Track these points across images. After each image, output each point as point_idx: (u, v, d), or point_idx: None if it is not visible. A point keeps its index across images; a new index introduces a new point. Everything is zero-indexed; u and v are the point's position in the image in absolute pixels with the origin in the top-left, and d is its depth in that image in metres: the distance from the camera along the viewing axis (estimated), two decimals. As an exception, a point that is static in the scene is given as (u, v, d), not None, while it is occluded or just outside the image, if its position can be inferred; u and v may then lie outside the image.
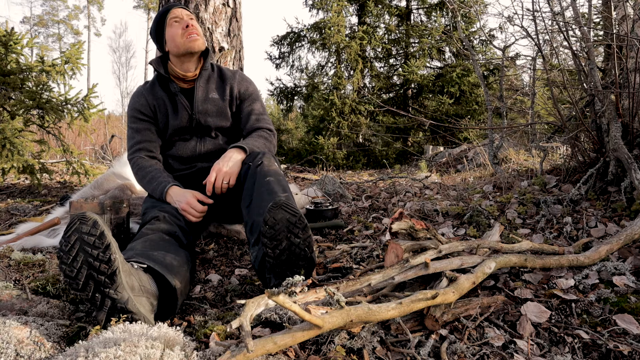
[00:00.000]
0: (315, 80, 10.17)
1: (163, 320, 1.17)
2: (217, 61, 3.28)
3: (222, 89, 1.79)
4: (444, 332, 1.11)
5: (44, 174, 3.53)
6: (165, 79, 1.75)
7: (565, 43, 2.19)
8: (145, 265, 1.19)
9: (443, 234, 1.92)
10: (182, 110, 1.73)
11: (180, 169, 1.78)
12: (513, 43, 4.17)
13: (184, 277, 1.27)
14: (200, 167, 1.75)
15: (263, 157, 1.58)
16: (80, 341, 0.91)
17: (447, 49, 10.30)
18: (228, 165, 1.58)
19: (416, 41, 10.33)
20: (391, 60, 10.81)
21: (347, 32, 10.07)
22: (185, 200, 1.54)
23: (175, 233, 1.44)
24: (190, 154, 1.75)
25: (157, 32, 1.76)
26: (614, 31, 2.19)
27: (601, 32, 2.85)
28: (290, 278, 1.12)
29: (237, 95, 1.82)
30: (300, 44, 10.59)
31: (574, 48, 2.25)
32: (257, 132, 1.78)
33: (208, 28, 3.23)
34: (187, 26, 1.68)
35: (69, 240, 1.02)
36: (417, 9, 10.81)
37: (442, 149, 7.64)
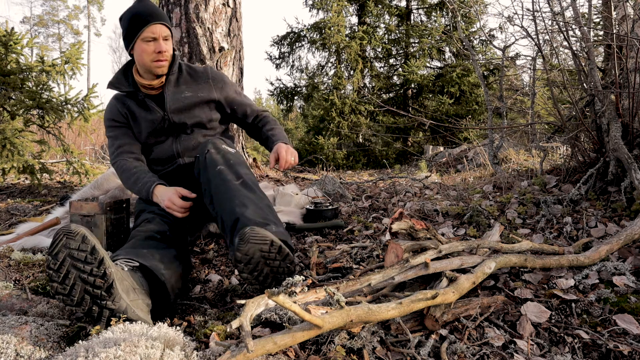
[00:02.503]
0: (315, 80, 10.17)
1: (158, 316, 1.17)
2: (217, 61, 3.28)
3: (195, 86, 1.75)
4: (444, 332, 1.11)
5: (44, 174, 3.53)
6: (131, 93, 1.71)
7: (565, 43, 2.19)
8: (134, 264, 1.20)
9: (443, 234, 1.92)
10: (154, 113, 1.70)
11: (162, 169, 1.77)
12: (513, 43, 4.17)
13: (174, 272, 1.28)
14: (181, 163, 1.74)
15: (208, 145, 1.58)
16: (80, 341, 0.91)
17: (447, 49, 10.30)
18: (290, 147, 1.66)
19: (416, 41, 10.33)
20: (391, 60, 10.81)
21: (347, 32, 10.06)
22: (167, 197, 1.53)
23: (167, 232, 1.45)
24: (168, 154, 1.74)
25: (129, 34, 1.63)
26: (614, 31, 2.19)
27: (601, 32, 2.85)
28: (290, 278, 1.12)
29: (219, 97, 1.80)
30: (300, 44, 10.59)
31: (574, 48, 2.25)
32: (265, 119, 1.87)
33: (208, 28, 3.23)
34: (160, 52, 1.60)
35: (57, 257, 1.00)
36: (417, 9, 10.81)
37: (442, 149, 7.64)
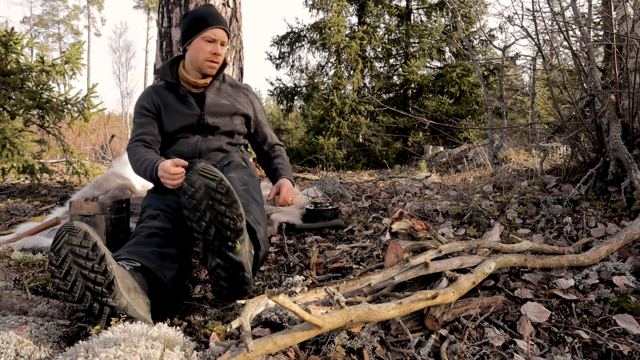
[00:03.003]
0: (315, 80, 10.16)
1: (158, 316, 1.17)
2: (217, 61, 3.27)
3: (234, 97, 1.84)
4: (444, 332, 1.11)
5: (44, 174, 3.53)
6: (173, 85, 1.78)
7: (565, 43, 2.19)
8: (136, 264, 1.20)
9: (443, 234, 1.92)
10: (191, 110, 1.75)
11: None
12: (513, 43, 4.17)
13: (175, 273, 1.28)
14: (197, 163, 1.77)
15: (230, 157, 1.67)
16: (80, 341, 0.91)
17: (447, 49, 10.30)
18: (292, 187, 1.76)
19: (416, 41, 10.33)
20: (391, 60, 10.81)
21: (347, 32, 10.06)
22: (161, 169, 1.50)
23: (170, 230, 1.45)
24: (191, 150, 1.77)
25: (190, 30, 1.74)
26: (614, 31, 2.19)
27: (601, 32, 2.85)
28: (290, 278, 1.12)
29: (251, 115, 1.89)
30: (300, 44, 10.58)
31: (574, 48, 2.25)
32: (278, 152, 1.96)
33: (208, 28, 3.23)
34: (215, 54, 1.70)
35: (59, 253, 1.01)
36: (417, 9, 10.81)
37: (442, 149, 7.64)
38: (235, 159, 1.65)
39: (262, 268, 1.74)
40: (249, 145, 2.02)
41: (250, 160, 1.84)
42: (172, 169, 1.44)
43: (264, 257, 1.38)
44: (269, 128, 1.98)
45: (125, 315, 1.03)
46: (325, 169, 6.91)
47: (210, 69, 1.73)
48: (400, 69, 10.42)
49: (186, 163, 1.51)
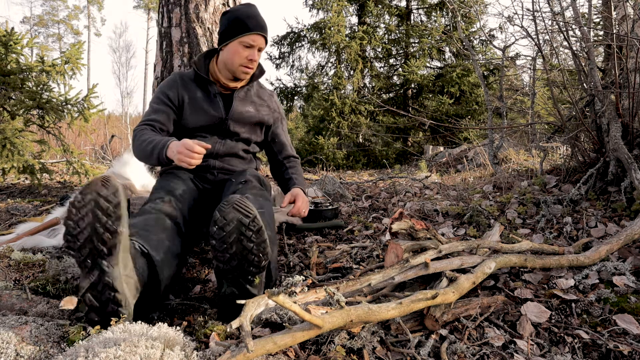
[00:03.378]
0: (315, 80, 10.16)
1: (143, 309, 1.15)
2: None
3: (259, 105, 1.83)
4: (444, 332, 1.11)
5: (44, 174, 3.53)
6: (204, 80, 1.74)
7: (565, 43, 2.19)
8: (144, 250, 1.18)
9: (443, 234, 1.92)
10: (216, 112, 1.72)
11: None
12: (513, 43, 4.17)
13: (173, 272, 1.27)
14: (211, 163, 1.75)
15: (246, 174, 1.65)
16: (80, 341, 0.91)
17: (447, 49, 10.30)
18: (306, 198, 1.74)
19: (416, 41, 10.33)
20: (391, 60, 10.81)
21: (347, 32, 10.06)
22: (182, 144, 1.43)
23: (177, 219, 1.42)
24: (208, 150, 1.72)
25: (229, 32, 1.68)
26: (614, 31, 2.19)
27: (601, 32, 2.85)
28: (290, 278, 1.12)
29: (272, 124, 1.88)
30: (300, 44, 10.58)
31: (574, 48, 2.25)
32: (294, 163, 1.94)
33: (208, 28, 3.23)
34: (252, 60, 1.66)
35: (84, 197, 0.99)
36: (417, 9, 10.81)
37: (442, 149, 7.64)
38: (252, 179, 1.62)
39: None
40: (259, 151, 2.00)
41: (264, 177, 1.82)
42: (196, 147, 1.40)
43: (274, 285, 1.38)
44: (287, 139, 1.96)
45: (110, 287, 1.00)
46: (325, 169, 6.92)
47: (243, 74, 1.69)
48: (400, 69, 10.42)
49: (209, 146, 1.46)
